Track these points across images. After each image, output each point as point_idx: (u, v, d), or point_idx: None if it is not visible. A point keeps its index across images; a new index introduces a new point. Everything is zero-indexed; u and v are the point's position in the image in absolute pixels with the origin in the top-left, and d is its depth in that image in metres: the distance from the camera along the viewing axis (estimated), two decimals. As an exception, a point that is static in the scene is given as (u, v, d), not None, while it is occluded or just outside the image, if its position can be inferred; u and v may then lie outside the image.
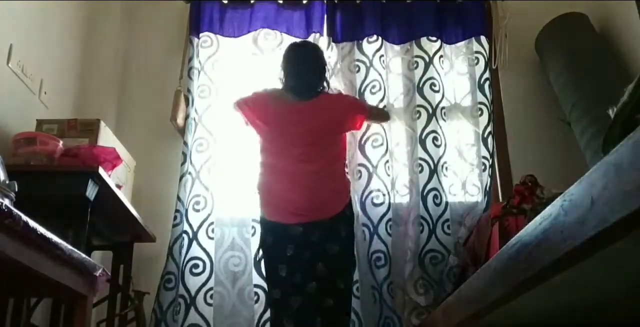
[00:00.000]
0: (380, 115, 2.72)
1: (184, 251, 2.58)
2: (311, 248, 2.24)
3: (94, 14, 3.02)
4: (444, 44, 3.01)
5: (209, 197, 2.68)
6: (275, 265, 2.26)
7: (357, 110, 2.56)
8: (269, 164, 2.39)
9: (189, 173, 2.71)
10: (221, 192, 2.74)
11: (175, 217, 2.62)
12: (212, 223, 2.65)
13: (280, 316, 2.21)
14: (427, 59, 2.95)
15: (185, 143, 2.78)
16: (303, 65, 2.46)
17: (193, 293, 2.53)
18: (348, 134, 2.58)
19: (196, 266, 2.58)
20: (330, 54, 2.87)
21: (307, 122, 2.36)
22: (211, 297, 2.54)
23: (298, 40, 2.81)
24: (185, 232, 2.61)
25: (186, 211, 2.65)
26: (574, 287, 0.73)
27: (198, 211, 2.66)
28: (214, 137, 2.79)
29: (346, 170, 2.49)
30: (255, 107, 2.45)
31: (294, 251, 2.24)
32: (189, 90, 2.90)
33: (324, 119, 2.39)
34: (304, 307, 2.18)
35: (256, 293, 2.54)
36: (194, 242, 2.61)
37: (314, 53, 2.53)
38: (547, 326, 1.13)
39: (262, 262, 2.37)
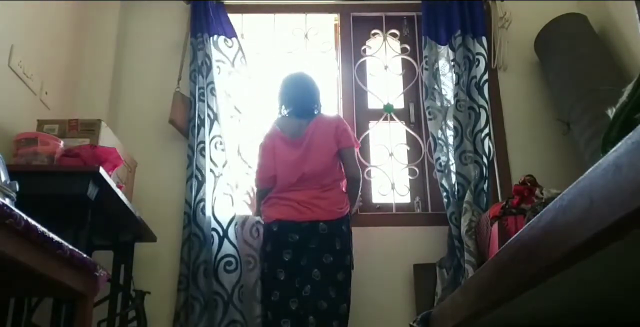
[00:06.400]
0: (353, 173, 2.50)
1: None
2: (308, 255, 2.34)
3: (94, 14, 3.03)
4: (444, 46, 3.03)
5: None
6: (274, 269, 2.36)
7: (340, 134, 2.51)
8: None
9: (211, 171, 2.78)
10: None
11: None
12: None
13: (278, 317, 2.28)
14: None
15: (190, 146, 2.84)
16: (301, 89, 2.62)
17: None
18: None
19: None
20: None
21: (308, 146, 2.47)
22: None
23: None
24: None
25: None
26: (574, 288, 0.73)
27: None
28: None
29: (343, 188, 2.53)
30: (268, 142, 2.57)
31: (292, 255, 2.35)
32: (191, 92, 2.92)
33: (322, 138, 2.48)
34: (301, 309, 2.27)
35: None
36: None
37: (309, 79, 2.67)
38: (547, 326, 1.14)
39: (261, 269, 2.47)
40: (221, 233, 2.67)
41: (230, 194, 2.76)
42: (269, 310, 2.34)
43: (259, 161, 2.58)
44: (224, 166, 2.80)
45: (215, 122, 2.86)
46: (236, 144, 2.89)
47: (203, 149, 2.81)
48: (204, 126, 2.85)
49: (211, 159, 2.80)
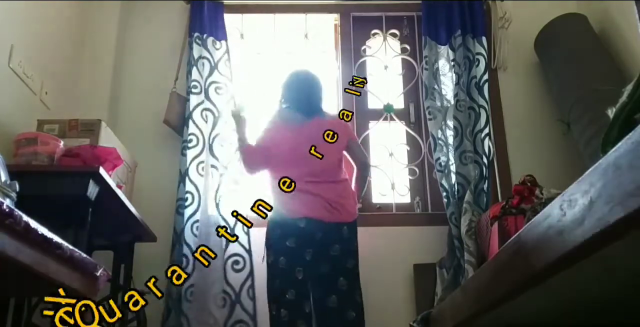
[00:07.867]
0: (363, 161, 2.57)
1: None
2: (329, 262, 2.28)
3: (93, 14, 3.03)
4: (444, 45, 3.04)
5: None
6: (294, 267, 2.26)
7: (350, 134, 2.54)
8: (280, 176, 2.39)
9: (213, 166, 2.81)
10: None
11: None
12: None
13: (295, 317, 2.22)
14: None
15: (186, 141, 2.85)
16: (307, 86, 2.51)
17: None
18: None
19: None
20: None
21: (314, 138, 2.37)
22: None
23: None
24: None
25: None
26: (573, 288, 0.73)
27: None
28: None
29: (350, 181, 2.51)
30: (270, 135, 2.46)
31: (312, 256, 2.28)
32: (188, 90, 2.93)
33: (326, 134, 2.41)
34: (321, 318, 2.24)
35: None
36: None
37: (314, 76, 2.57)
38: (547, 326, 1.14)
39: (273, 263, 2.33)
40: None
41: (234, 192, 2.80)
42: (284, 308, 2.23)
43: (258, 140, 2.45)
44: (226, 166, 2.83)
45: (216, 121, 2.89)
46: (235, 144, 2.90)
47: (186, 147, 2.83)
48: (187, 125, 2.88)
49: (214, 156, 2.83)
